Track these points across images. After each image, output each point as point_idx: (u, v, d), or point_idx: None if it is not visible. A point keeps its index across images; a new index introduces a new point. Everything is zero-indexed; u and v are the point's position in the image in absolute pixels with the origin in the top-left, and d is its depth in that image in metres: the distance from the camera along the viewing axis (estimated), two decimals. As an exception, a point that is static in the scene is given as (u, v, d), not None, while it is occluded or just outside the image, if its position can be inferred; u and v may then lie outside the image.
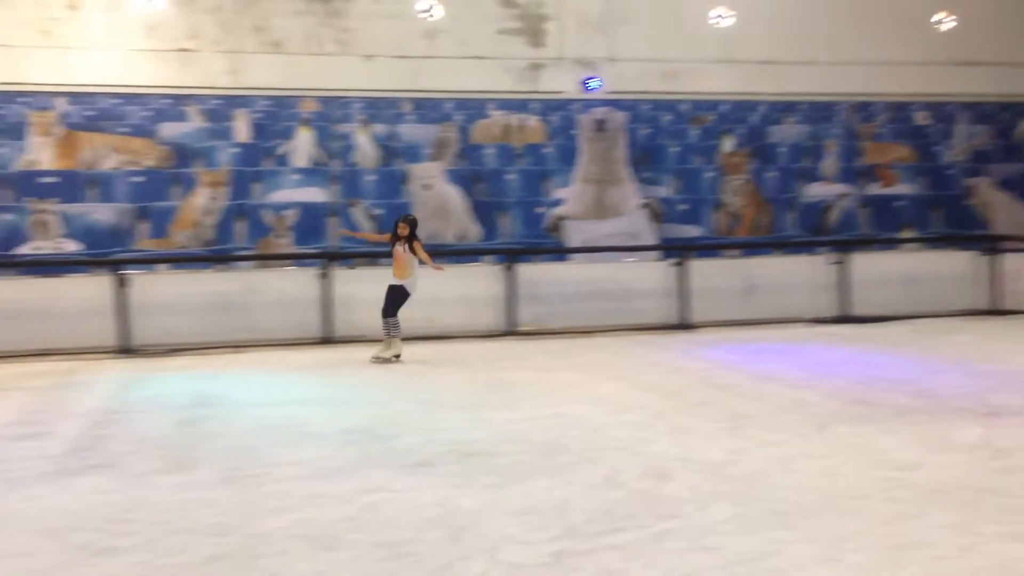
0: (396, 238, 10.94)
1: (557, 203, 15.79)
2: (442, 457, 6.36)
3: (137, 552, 4.63)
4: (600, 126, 15.56)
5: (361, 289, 12.96)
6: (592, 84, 21.79)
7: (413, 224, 11.03)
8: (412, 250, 10.83)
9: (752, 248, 15.62)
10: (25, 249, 13.58)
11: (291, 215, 14.31)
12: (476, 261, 14.47)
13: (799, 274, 14.64)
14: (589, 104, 19.05)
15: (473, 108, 19.61)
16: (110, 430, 7.55)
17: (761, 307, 14.20)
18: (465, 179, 15.96)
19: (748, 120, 20.94)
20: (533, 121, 18.82)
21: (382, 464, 6.22)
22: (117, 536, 4.88)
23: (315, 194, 15.45)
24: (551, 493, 5.44)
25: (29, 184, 14.45)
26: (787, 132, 19.87)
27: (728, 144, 18.40)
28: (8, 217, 13.78)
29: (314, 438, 7.04)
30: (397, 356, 10.87)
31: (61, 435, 7.37)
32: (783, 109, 21.55)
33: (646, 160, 17.66)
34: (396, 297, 10.91)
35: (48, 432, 7.52)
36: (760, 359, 10.78)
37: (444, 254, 14.39)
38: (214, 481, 5.91)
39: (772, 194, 16.83)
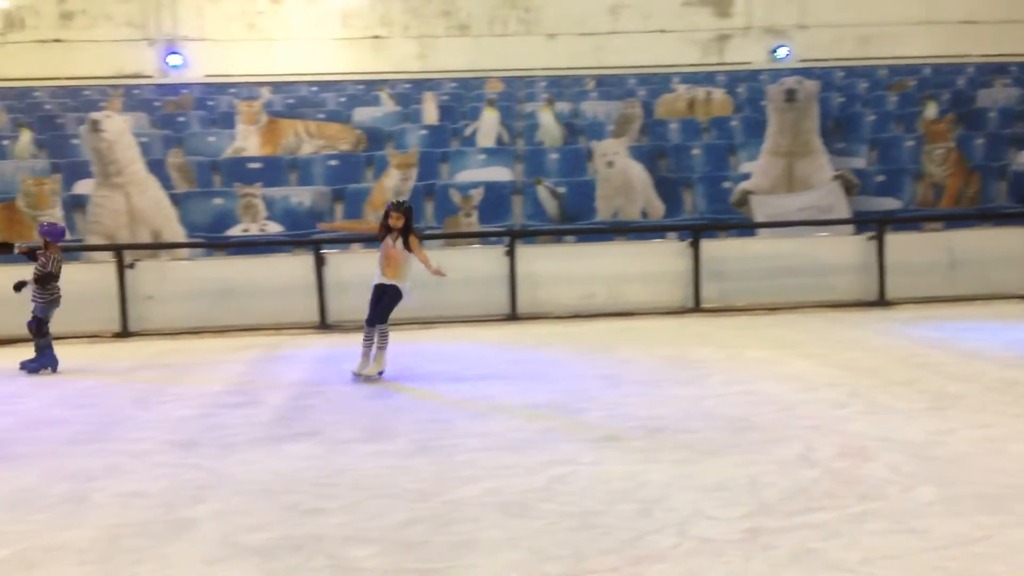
0: (387, 230, 8.77)
1: (744, 177, 15.39)
2: (629, 432, 6.36)
3: (341, 514, 4.88)
4: (790, 96, 15.01)
5: (546, 266, 13.12)
6: (780, 53, 21.05)
7: (408, 213, 8.77)
8: (407, 246, 8.68)
9: (956, 220, 14.70)
10: (234, 231, 14.48)
11: (477, 194, 14.60)
12: (660, 237, 14.33)
13: (1009, 247, 13.69)
14: (778, 74, 18.41)
15: (657, 83, 19.37)
16: (312, 400, 7.98)
17: (966, 283, 13.39)
18: (649, 155, 15.80)
19: (953, 84, 19.67)
20: (719, 94, 18.39)
21: (570, 438, 6.28)
22: (322, 498, 5.15)
23: (500, 173, 15.69)
24: (742, 470, 5.34)
25: (237, 170, 15.39)
26: (997, 96, 18.54)
27: (931, 110, 17.35)
28: (219, 201, 14.73)
29: (502, 411, 7.19)
30: (380, 373, 8.80)
31: (269, 404, 7.85)
32: (993, 71, 20.10)
33: (839, 130, 16.94)
34: (386, 302, 8.77)
35: (257, 401, 8.02)
36: (965, 337, 10.16)
37: (627, 231, 14.35)
38: (409, 450, 6.14)
39: (979, 162, 15.78)
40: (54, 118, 15.58)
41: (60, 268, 9.84)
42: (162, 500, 5.23)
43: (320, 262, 12.96)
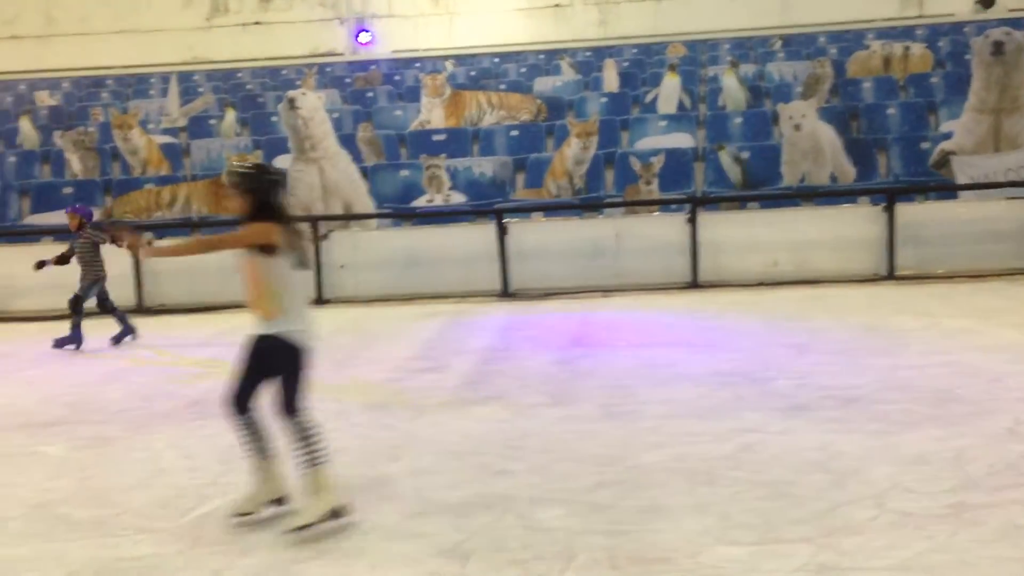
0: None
1: (945, 137, 14.48)
2: (819, 402, 6.17)
3: (529, 475, 4.99)
4: (997, 49, 13.95)
5: (729, 233, 12.83)
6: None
7: (249, 182, 4.45)
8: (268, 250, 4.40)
9: None
10: (420, 202, 14.91)
11: (658, 161, 14.41)
12: (851, 202, 13.71)
13: None
14: (984, 26, 17.17)
15: (849, 40, 18.47)
16: (498, 366, 8.15)
17: None
18: (839, 116, 15.12)
19: None
20: (918, 49, 17.34)
21: (757, 406, 6.16)
22: (510, 460, 5.28)
23: (681, 139, 15.42)
24: (945, 444, 5.09)
25: (423, 142, 15.82)
26: None
27: None
28: (406, 173, 15.20)
29: (686, 379, 7.12)
30: (279, 500, 4.60)
31: (456, 369, 8.07)
32: None
33: (1052, 84, 15.62)
34: (254, 364, 4.58)
35: (445, 366, 8.27)
36: None
37: (815, 196, 13.81)
38: (594, 416, 6.18)
39: None
40: (255, 97, 16.47)
41: (87, 249, 10.07)
42: (361, 457, 5.50)
43: (502, 231, 13.17)
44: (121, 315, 10.36)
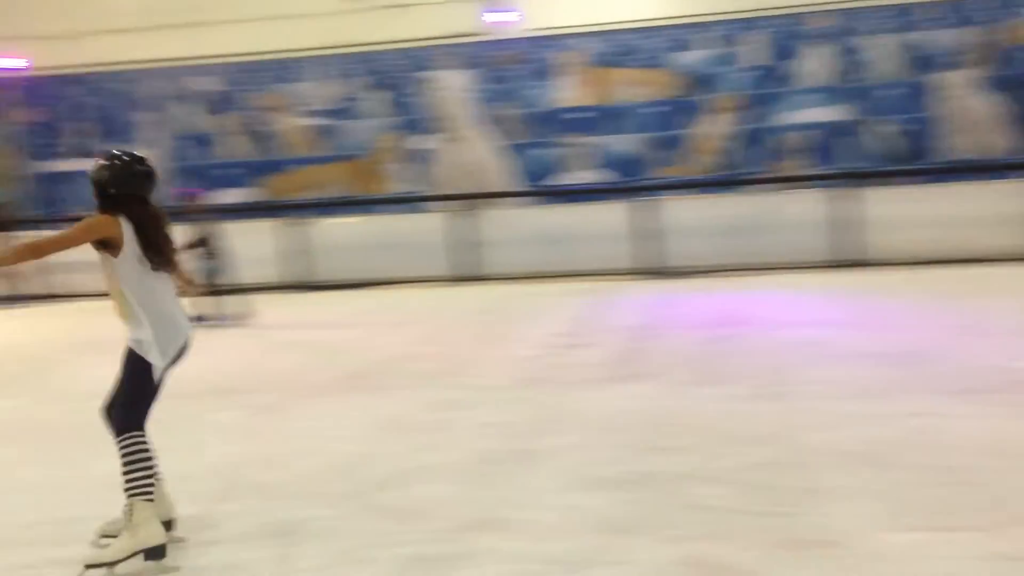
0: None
1: None
2: (993, 385, 5.88)
3: (684, 453, 4.95)
4: None
5: (884, 209, 12.35)
6: None
7: (100, 176, 4.05)
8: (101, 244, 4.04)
9: None
10: (561, 180, 14.95)
11: (804, 136, 14.00)
12: (1017, 177, 12.98)
13: None
14: None
15: (1020, 5, 17.41)
16: (645, 344, 8.11)
17: None
18: (1006, 87, 14.32)
19: None
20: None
21: (922, 388, 5.92)
22: (664, 438, 5.25)
23: (829, 113, 14.93)
24: None
25: (560, 120, 15.83)
26: None
27: None
28: (546, 152, 15.25)
29: (842, 359, 6.91)
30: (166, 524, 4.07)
31: (603, 346, 8.06)
32: None
33: None
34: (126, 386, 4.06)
35: (592, 344, 8.27)
36: None
37: (975, 170, 13.14)
38: (747, 395, 6.08)
39: None
40: (397, 79, 16.80)
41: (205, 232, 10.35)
42: (514, 432, 5.58)
43: (645, 209, 13.05)
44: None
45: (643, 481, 4.57)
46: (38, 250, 3.97)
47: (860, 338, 7.67)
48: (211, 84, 17.08)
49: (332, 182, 16.44)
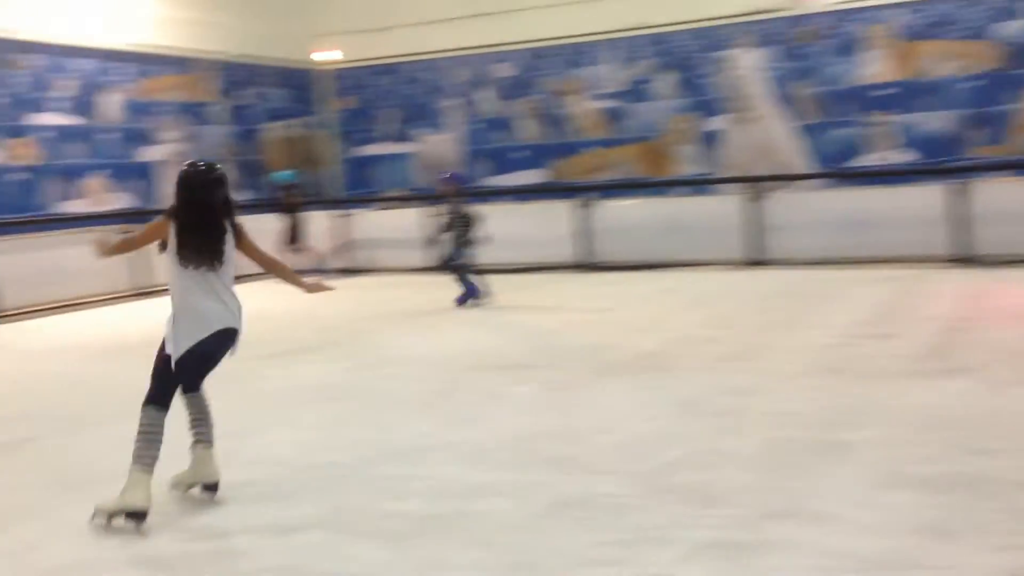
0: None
1: None
2: None
3: (1014, 456, 4.53)
4: None
5: None
6: None
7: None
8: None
9: None
10: (862, 161, 14.13)
11: None
12: None
13: None
14: None
15: None
16: (960, 336, 7.50)
17: None
18: None
19: None
20: None
21: None
22: (988, 438, 4.82)
23: None
24: None
25: (867, 97, 14.93)
26: None
27: None
28: (847, 131, 14.47)
29: None
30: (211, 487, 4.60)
31: (912, 337, 7.54)
32: None
33: None
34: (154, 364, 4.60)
35: (898, 333, 7.76)
36: None
37: None
38: (1085, 398, 5.47)
39: None
40: (692, 59, 16.59)
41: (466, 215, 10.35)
42: (815, 422, 5.35)
43: (957, 191, 12.04)
44: (464, 277, 10.59)
45: (961, 483, 4.22)
46: (127, 244, 4.78)
47: None
48: (507, 70, 17.71)
49: (621, 164, 16.55)
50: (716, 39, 16.26)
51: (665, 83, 16.60)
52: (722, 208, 13.65)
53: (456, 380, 6.92)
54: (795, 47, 17.31)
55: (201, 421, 4.55)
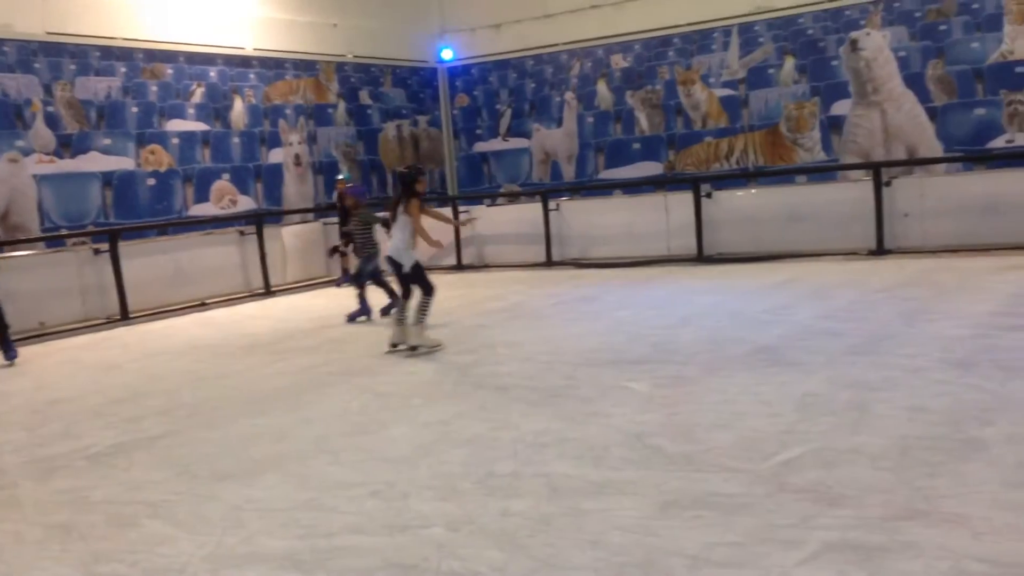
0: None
1: None
2: None
3: None
4: None
5: None
6: None
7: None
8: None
9: None
10: (999, 142, 13.44)
11: None
12: None
13: None
14: None
15: None
16: (1108, 327, 7.06)
17: None
18: None
19: None
20: None
21: None
22: None
23: None
24: None
25: (1004, 76, 14.18)
26: None
27: None
28: (981, 112, 13.78)
29: None
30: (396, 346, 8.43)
31: (1054, 329, 7.14)
32: None
33: None
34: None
35: (1038, 324, 7.36)
36: None
37: None
38: None
39: None
40: (816, 42, 16.08)
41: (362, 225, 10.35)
42: (947, 418, 5.11)
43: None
44: (363, 295, 10.52)
45: (1112, 487, 3.96)
46: (436, 217, 9.12)
47: None
48: (621, 61, 17.55)
49: (742, 152, 16.19)
50: (843, 20, 15.73)
51: (787, 68, 16.15)
52: (845, 195, 13.21)
53: (572, 376, 6.89)
54: (927, 25, 16.59)
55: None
